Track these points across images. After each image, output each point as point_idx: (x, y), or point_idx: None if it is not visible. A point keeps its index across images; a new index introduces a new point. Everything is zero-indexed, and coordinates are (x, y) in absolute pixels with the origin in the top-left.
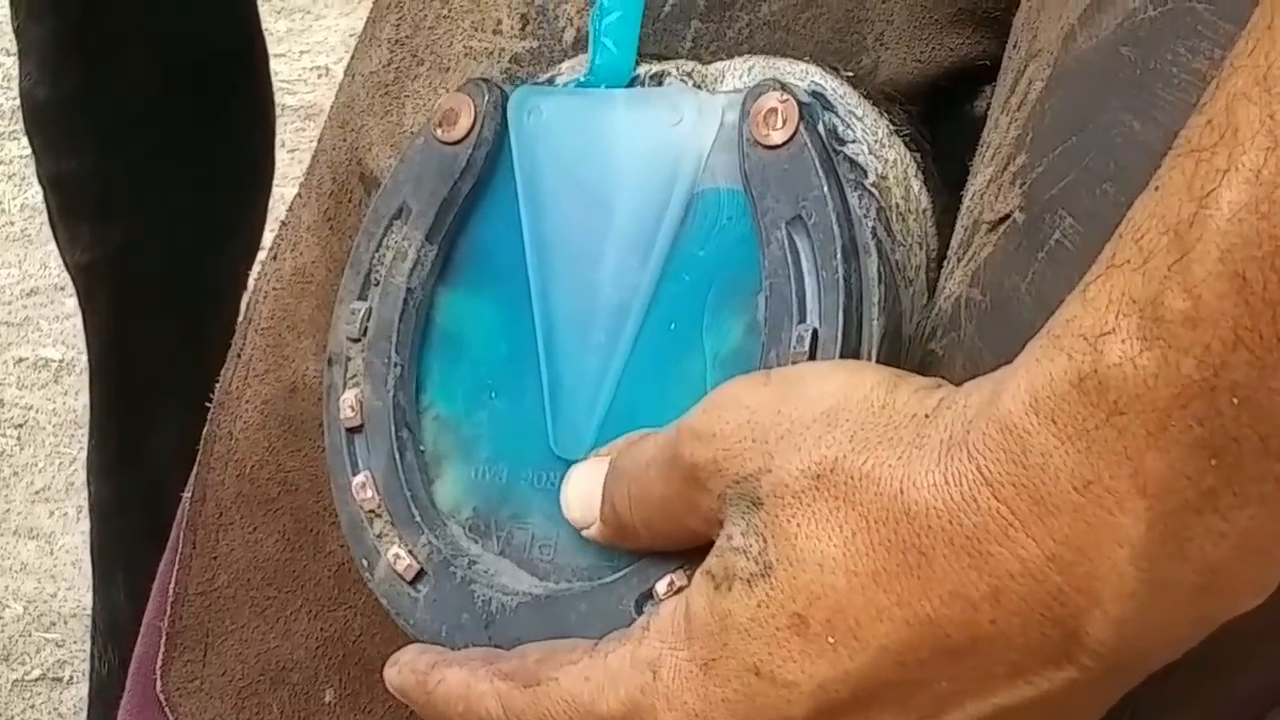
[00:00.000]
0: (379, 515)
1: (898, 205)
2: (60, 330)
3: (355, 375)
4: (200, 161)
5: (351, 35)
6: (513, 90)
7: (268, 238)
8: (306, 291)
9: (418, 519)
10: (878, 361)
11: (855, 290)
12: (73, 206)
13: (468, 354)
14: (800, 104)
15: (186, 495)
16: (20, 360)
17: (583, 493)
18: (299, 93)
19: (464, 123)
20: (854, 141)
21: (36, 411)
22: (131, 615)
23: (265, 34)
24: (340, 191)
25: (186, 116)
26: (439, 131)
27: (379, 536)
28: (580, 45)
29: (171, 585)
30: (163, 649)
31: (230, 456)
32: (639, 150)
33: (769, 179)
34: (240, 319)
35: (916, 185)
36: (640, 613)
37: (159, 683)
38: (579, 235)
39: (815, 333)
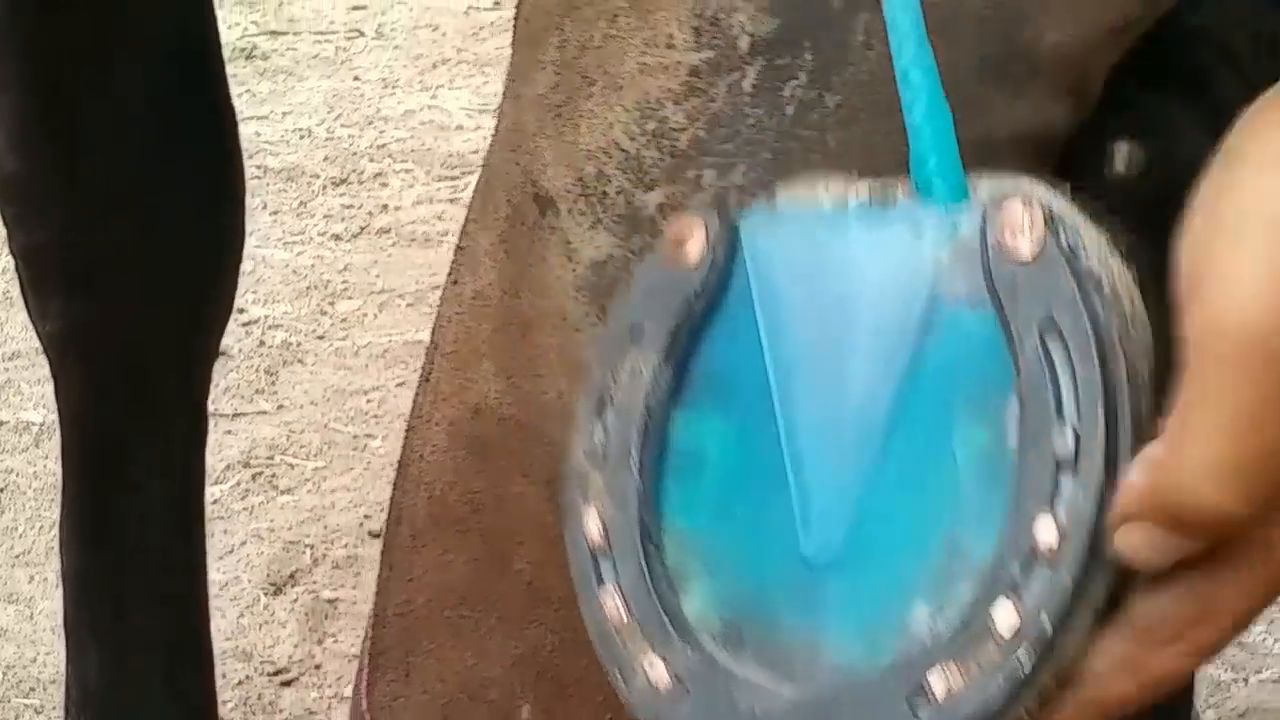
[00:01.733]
0: (629, 629)
1: (1127, 312)
2: (41, 394)
3: (596, 494)
4: (171, 232)
5: (335, 96)
6: (742, 214)
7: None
8: (485, 313)
9: (670, 631)
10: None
11: (1113, 393)
12: (43, 278)
13: (707, 470)
14: (1047, 214)
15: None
16: (1, 424)
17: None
18: (281, 154)
19: (696, 247)
20: (1085, 250)
21: (17, 475)
22: (105, 685)
23: (249, 95)
24: (515, 215)
25: (156, 187)
26: (671, 255)
27: (631, 650)
28: (756, 50)
29: (373, 608)
30: (366, 670)
31: (421, 479)
32: (878, 268)
33: (1019, 289)
34: (428, 344)
35: (1138, 297)
36: (914, 713)
37: (364, 702)
38: (822, 352)
39: (1077, 435)
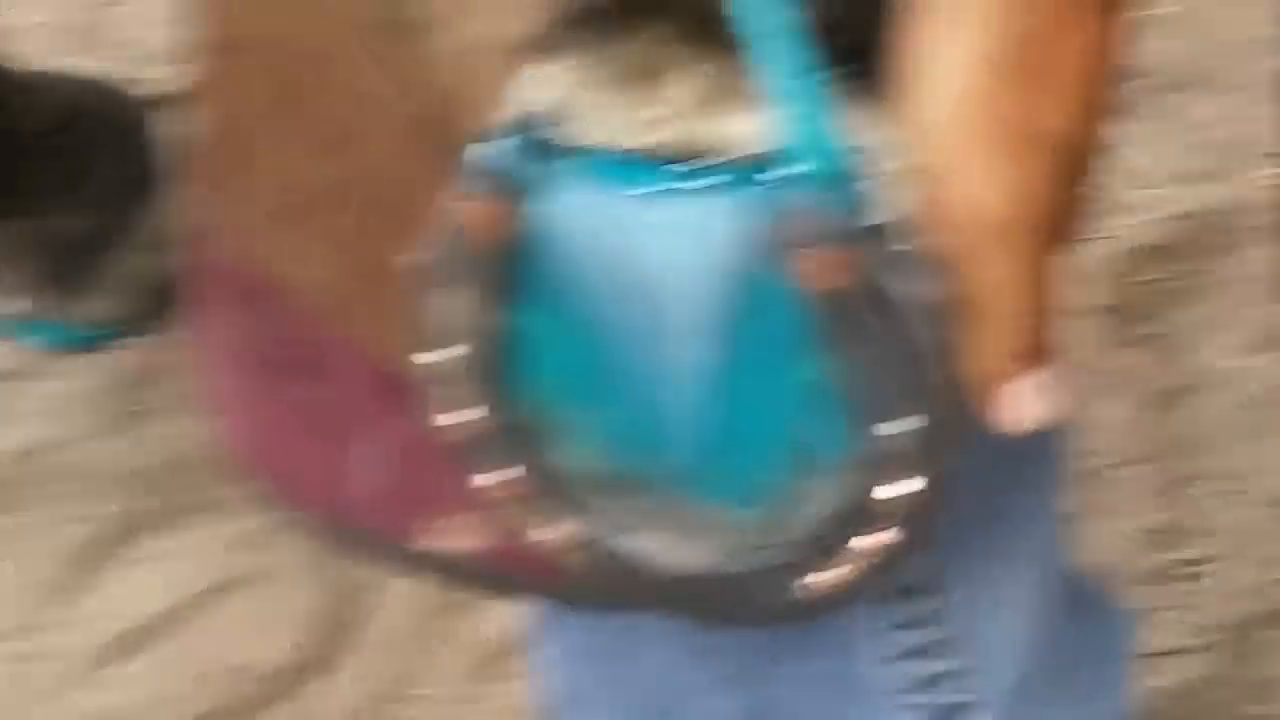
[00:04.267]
0: (519, 500)
1: (917, 207)
2: None
3: (456, 399)
4: None
5: None
6: (535, 192)
7: None
8: None
9: (557, 508)
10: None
11: (938, 390)
12: None
13: (554, 360)
14: (844, 256)
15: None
16: None
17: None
18: None
19: (490, 229)
20: (875, 193)
21: None
22: None
23: None
24: None
25: None
26: (468, 235)
27: (525, 520)
28: None
29: (201, 116)
30: (206, 162)
31: (214, 11)
32: (679, 253)
33: (827, 312)
34: None
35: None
36: (801, 592)
37: (206, 194)
38: (634, 324)
39: (909, 428)
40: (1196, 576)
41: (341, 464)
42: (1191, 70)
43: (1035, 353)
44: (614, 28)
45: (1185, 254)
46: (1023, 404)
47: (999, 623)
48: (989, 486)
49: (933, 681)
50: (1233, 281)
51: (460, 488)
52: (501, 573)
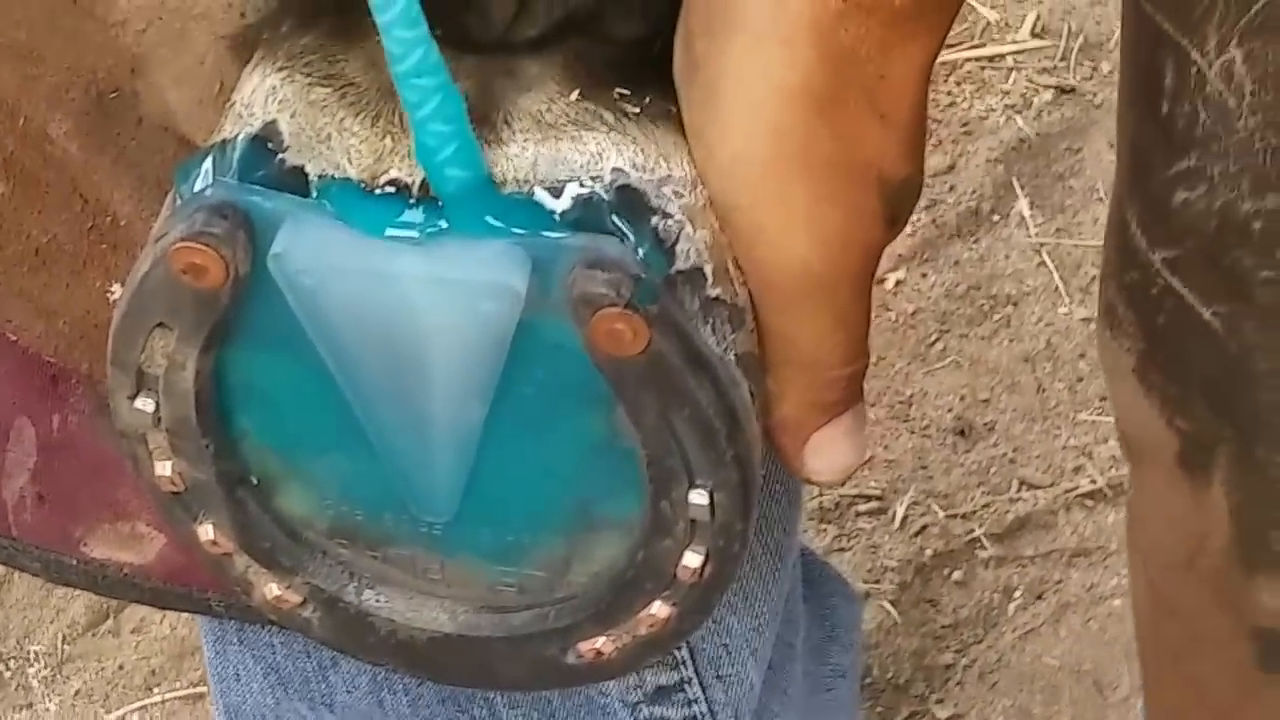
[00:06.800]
0: (238, 557)
1: (722, 244)
2: None
3: (161, 449)
4: None
5: None
6: (264, 234)
7: None
8: None
9: (283, 561)
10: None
11: (745, 456)
12: None
13: (284, 404)
14: (649, 316)
15: None
16: None
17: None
18: None
19: (215, 273)
20: (680, 233)
21: None
22: None
23: None
24: None
25: None
26: (186, 279)
27: (246, 572)
28: None
29: None
30: None
31: None
32: (441, 306)
33: (626, 375)
34: None
35: (739, 291)
36: (567, 657)
37: None
38: (384, 375)
39: (713, 496)
40: (876, 513)
41: None
42: None
43: (845, 400)
44: (351, 26)
45: None
46: (829, 454)
47: (736, 622)
48: None
49: (663, 693)
50: None
51: (126, 496)
52: (173, 586)
